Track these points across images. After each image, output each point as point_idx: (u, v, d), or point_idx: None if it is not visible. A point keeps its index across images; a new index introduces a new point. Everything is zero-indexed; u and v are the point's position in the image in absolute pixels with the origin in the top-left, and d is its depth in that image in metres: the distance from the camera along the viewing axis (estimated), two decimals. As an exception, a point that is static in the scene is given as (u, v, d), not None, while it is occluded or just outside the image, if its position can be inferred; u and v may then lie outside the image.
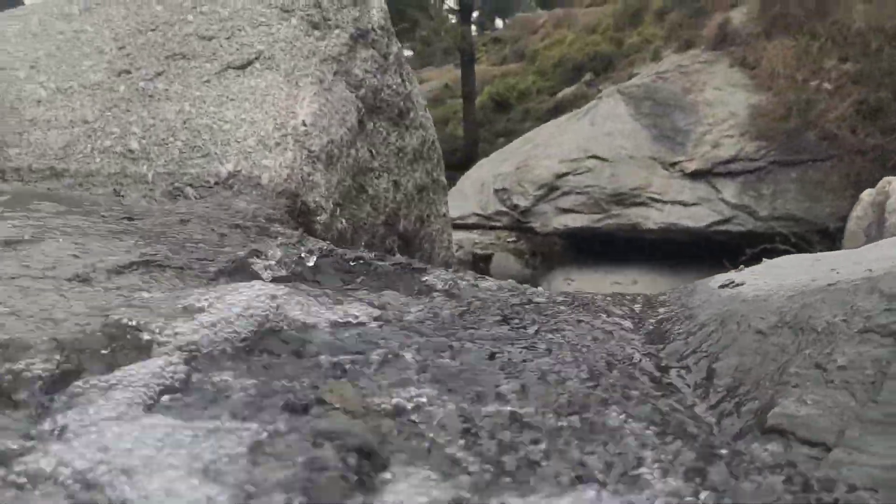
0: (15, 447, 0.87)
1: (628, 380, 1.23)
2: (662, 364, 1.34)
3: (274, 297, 1.46)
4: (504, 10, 30.38)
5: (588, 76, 18.33)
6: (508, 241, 14.21)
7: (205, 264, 1.83)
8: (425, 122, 4.18)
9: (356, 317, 1.50)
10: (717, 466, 0.91)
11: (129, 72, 3.19)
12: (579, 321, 1.63)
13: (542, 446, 0.95)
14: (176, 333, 1.24)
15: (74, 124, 3.05)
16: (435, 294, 1.86)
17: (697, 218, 11.31)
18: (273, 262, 1.96)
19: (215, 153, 2.85)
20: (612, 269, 11.73)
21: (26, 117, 3.10)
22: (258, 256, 2.00)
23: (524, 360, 1.28)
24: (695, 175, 11.51)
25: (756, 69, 12.09)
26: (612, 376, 1.24)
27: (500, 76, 22.03)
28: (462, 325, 1.53)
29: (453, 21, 22.21)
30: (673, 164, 11.69)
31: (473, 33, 24.67)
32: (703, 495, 0.85)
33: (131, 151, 2.93)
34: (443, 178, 4.50)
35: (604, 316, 1.69)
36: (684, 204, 11.43)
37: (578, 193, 12.19)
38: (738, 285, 1.65)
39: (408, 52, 27.66)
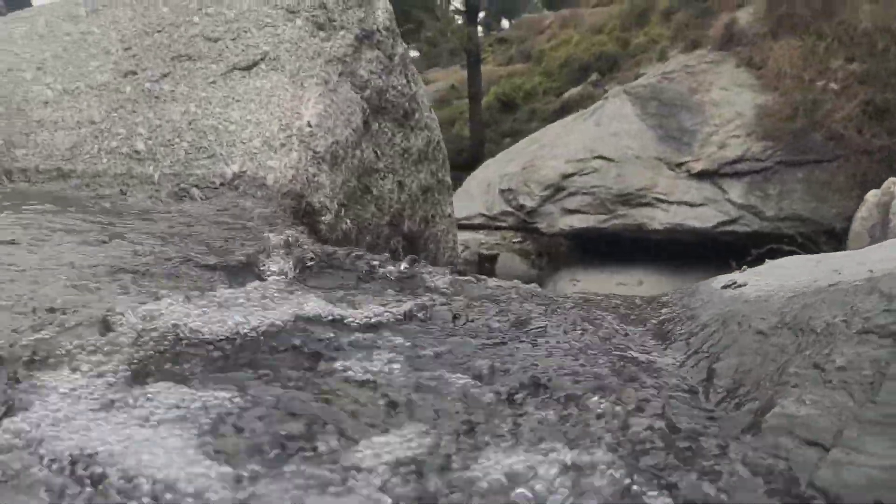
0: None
1: (627, 380, 1.24)
2: (665, 365, 1.34)
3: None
4: (510, 10, 30.39)
5: (594, 76, 18.31)
6: (514, 242, 14.20)
7: (212, 262, 1.85)
8: (430, 122, 4.19)
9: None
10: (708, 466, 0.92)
11: (135, 73, 3.20)
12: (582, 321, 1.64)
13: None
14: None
15: (81, 125, 3.07)
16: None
17: (703, 218, 11.29)
18: (277, 263, 1.97)
19: (221, 154, 2.87)
20: (617, 269, 11.72)
21: (33, 118, 3.12)
22: (263, 257, 2.01)
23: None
24: (701, 175, 11.48)
25: (762, 69, 12.06)
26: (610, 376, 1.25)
27: (507, 77, 22.01)
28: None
29: (459, 22, 22.21)
30: (679, 165, 11.67)
31: (479, 34, 24.66)
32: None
33: (137, 152, 2.95)
34: (448, 179, 4.51)
35: (607, 317, 1.69)
36: (690, 204, 11.41)
37: (584, 194, 12.18)
38: (740, 286, 1.66)
39: (414, 53, 27.68)
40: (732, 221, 11.20)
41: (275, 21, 3.29)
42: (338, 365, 1.19)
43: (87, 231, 1.99)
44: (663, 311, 1.72)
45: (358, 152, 3.30)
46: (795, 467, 0.91)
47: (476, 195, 13.73)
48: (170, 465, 0.86)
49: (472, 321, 1.54)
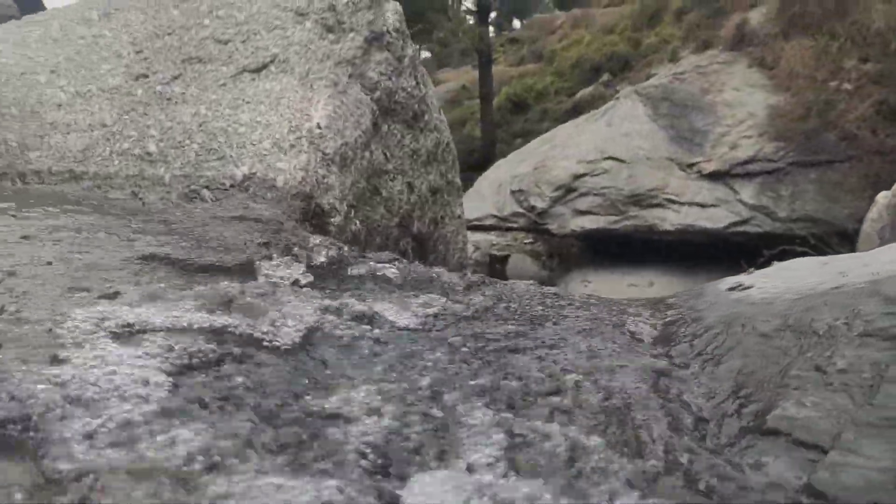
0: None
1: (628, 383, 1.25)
2: (667, 366, 1.35)
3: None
4: (522, 10, 30.34)
5: (606, 77, 18.26)
6: (525, 243, 14.18)
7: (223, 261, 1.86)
8: (440, 124, 4.20)
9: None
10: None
11: (146, 76, 3.23)
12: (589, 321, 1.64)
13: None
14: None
15: (93, 127, 3.10)
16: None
17: (715, 219, 11.25)
18: (285, 264, 1.99)
19: (231, 156, 2.89)
20: (628, 270, 11.69)
21: (47, 121, 3.15)
22: (270, 258, 2.03)
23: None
24: (712, 176, 11.44)
25: (774, 69, 12.00)
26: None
27: (518, 77, 21.99)
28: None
29: (471, 22, 22.20)
30: (690, 166, 11.63)
31: (491, 34, 24.65)
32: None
33: (149, 154, 2.97)
34: (457, 180, 4.52)
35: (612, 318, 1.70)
36: (702, 205, 11.36)
37: (595, 195, 12.15)
38: (746, 288, 1.66)
39: (425, 54, 27.71)
40: (744, 222, 11.15)
41: (284, 23, 3.31)
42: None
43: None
44: (669, 312, 1.73)
45: (367, 154, 3.32)
46: (795, 469, 0.92)
47: (487, 196, 13.73)
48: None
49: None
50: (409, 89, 3.77)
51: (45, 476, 0.82)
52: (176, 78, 3.21)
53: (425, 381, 1.19)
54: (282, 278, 1.86)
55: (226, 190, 2.77)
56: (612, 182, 12.02)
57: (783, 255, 2.77)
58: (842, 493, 0.84)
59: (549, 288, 2.05)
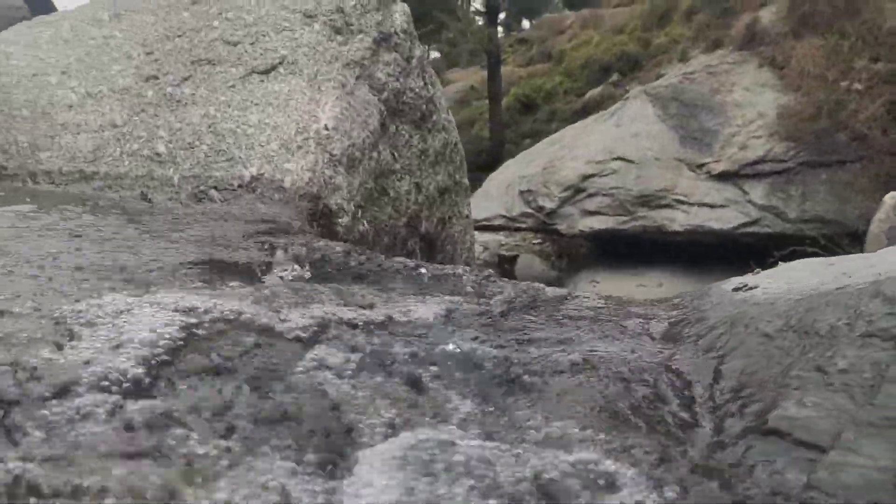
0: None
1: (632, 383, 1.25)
2: (671, 366, 1.36)
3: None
4: (531, 11, 30.33)
5: (615, 77, 18.23)
6: (534, 243, 14.18)
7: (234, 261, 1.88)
8: (448, 124, 4.22)
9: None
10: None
11: (156, 77, 3.26)
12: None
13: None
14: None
15: (104, 128, 3.12)
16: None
17: (724, 220, 11.22)
18: (294, 264, 2.00)
19: (239, 157, 2.91)
20: (637, 271, 11.67)
21: (58, 121, 3.18)
22: (278, 259, 2.05)
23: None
24: (722, 176, 11.42)
25: (785, 69, 11.96)
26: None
27: (527, 77, 21.98)
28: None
29: (480, 23, 22.22)
30: (700, 166, 11.61)
31: (500, 35, 24.66)
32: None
33: (158, 155, 3.00)
34: (465, 180, 4.53)
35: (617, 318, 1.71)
36: (711, 206, 11.34)
37: (604, 195, 12.15)
38: (750, 288, 1.66)
39: (434, 54, 27.72)
40: (754, 223, 11.12)
41: (293, 25, 3.32)
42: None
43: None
44: (674, 312, 1.73)
45: (375, 154, 3.33)
46: (795, 468, 0.92)
47: (496, 196, 13.74)
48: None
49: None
50: (417, 90, 3.79)
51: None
52: (186, 79, 3.24)
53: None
54: (288, 277, 1.88)
55: (234, 191, 2.79)
56: (620, 182, 12.02)
57: (793, 256, 2.76)
58: (841, 492, 0.85)
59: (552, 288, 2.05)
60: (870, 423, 0.91)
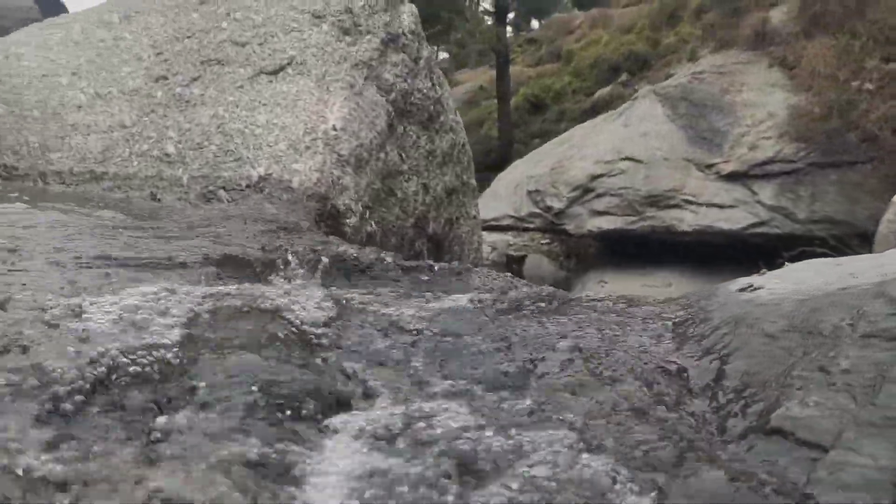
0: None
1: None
2: (675, 366, 1.36)
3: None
4: (540, 11, 30.29)
5: (624, 76, 18.20)
6: (542, 243, 14.18)
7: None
8: (455, 125, 4.22)
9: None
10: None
11: (165, 78, 3.28)
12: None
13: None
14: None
15: (113, 129, 3.15)
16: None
17: (733, 220, 11.18)
18: (300, 264, 2.01)
19: (247, 157, 2.93)
20: (646, 271, 11.64)
21: (68, 122, 3.20)
22: (286, 259, 2.06)
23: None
24: (731, 177, 11.37)
25: (795, 69, 11.90)
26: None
27: (536, 77, 21.97)
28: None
29: (488, 22, 22.22)
30: (709, 166, 11.57)
31: (509, 34, 24.65)
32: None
33: (167, 155, 3.02)
34: (472, 181, 4.54)
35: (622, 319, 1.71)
36: (720, 206, 11.30)
37: (612, 195, 12.12)
38: (756, 289, 1.66)
39: (443, 55, 27.70)
40: (763, 223, 11.08)
41: (301, 26, 3.34)
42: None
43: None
44: (679, 312, 1.74)
45: (382, 155, 3.34)
46: (796, 468, 0.93)
47: (504, 196, 13.73)
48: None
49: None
50: (424, 90, 3.80)
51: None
52: (195, 80, 3.26)
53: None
54: (296, 276, 1.89)
55: (242, 191, 2.81)
56: (629, 182, 11.99)
57: (802, 257, 2.76)
58: (841, 491, 0.85)
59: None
60: (870, 423, 0.92)
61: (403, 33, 3.67)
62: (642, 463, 0.96)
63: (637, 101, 13.08)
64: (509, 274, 2.49)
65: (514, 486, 0.90)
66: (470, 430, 1.03)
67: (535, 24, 32.24)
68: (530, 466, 0.95)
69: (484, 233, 7.77)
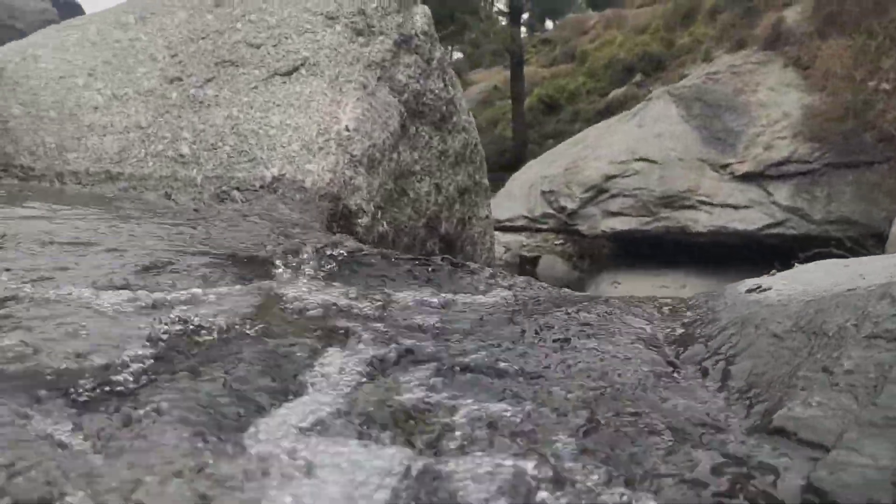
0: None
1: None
2: (681, 365, 1.37)
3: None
4: (554, 11, 30.25)
5: (638, 77, 18.16)
6: (556, 244, 14.16)
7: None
8: (468, 125, 4.24)
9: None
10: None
11: (180, 79, 3.31)
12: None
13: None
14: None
15: (129, 130, 3.18)
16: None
17: (748, 221, 11.14)
18: (311, 262, 2.03)
19: (261, 158, 2.95)
20: (660, 272, 11.61)
21: (84, 123, 3.24)
22: (300, 257, 2.08)
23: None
24: (746, 177, 11.33)
25: (810, 69, 11.84)
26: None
27: (550, 77, 21.96)
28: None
29: (503, 23, 22.22)
30: (723, 167, 11.53)
31: (523, 35, 24.64)
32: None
33: (182, 156, 3.05)
34: (485, 181, 4.55)
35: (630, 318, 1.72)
36: (735, 207, 11.26)
37: (626, 196, 12.10)
38: (764, 290, 1.67)
39: (457, 55, 27.72)
40: (778, 224, 11.03)
41: (315, 27, 3.36)
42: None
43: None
44: (688, 313, 1.75)
45: (395, 155, 3.36)
46: (797, 467, 0.94)
47: (518, 197, 13.74)
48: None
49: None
50: (437, 91, 3.81)
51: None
52: (209, 81, 3.29)
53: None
54: (307, 275, 1.91)
55: (255, 191, 2.84)
56: (643, 183, 11.96)
57: (817, 258, 2.75)
58: (841, 490, 0.86)
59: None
60: (872, 423, 0.92)
61: (416, 34, 3.69)
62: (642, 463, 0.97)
63: (651, 102, 13.05)
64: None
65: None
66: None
67: (549, 24, 32.21)
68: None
69: (497, 233, 7.78)
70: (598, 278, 12.62)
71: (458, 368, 1.25)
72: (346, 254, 2.14)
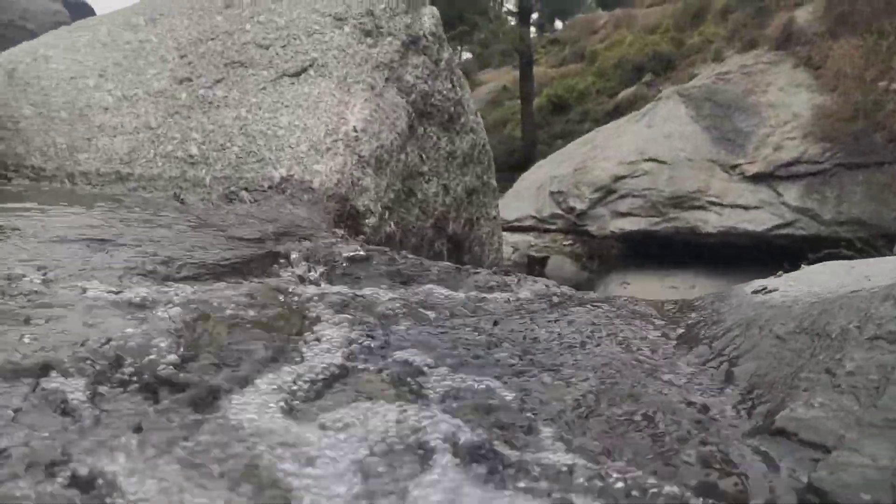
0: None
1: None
2: (685, 366, 1.38)
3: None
4: (563, 11, 30.21)
5: (648, 77, 18.12)
6: (565, 244, 14.15)
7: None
8: (476, 126, 4.24)
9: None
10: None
11: (190, 79, 3.33)
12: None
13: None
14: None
15: (139, 130, 3.20)
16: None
17: (758, 221, 11.10)
18: (318, 262, 2.05)
19: (270, 158, 2.97)
20: (669, 273, 11.58)
21: (95, 123, 3.27)
22: (308, 257, 2.09)
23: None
24: (756, 178, 11.29)
25: (821, 69, 11.80)
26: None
27: (559, 78, 21.94)
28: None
29: (512, 23, 22.23)
30: (733, 167, 11.50)
31: (532, 35, 24.63)
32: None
33: (191, 156, 3.07)
34: (493, 181, 4.55)
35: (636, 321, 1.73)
36: (745, 207, 11.23)
37: (636, 196, 12.08)
38: (770, 291, 1.67)
39: (467, 55, 27.72)
40: (788, 225, 10.99)
41: (323, 28, 3.38)
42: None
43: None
44: (693, 314, 1.75)
45: (402, 156, 3.37)
46: (799, 468, 0.94)
47: (527, 197, 13.73)
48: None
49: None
50: (444, 92, 3.82)
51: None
52: (218, 82, 3.31)
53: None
54: (313, 274, 1.93)
55: (264, 192, 2.85)
56: (652, 184, 11.94)
57: (827, 259, 2.75)
58: (841, 490, 0.87)
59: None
60: (872, 424, 0.93)
61: (424, 35, 3.70)
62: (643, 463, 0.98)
63: (661, 102, 13.02)
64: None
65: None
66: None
67: (558, 24, 32.17)
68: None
69: (506, 233, 7.78)
70: (608, 279, 12.60)
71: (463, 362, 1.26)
72: (352, 255, 2.15)
